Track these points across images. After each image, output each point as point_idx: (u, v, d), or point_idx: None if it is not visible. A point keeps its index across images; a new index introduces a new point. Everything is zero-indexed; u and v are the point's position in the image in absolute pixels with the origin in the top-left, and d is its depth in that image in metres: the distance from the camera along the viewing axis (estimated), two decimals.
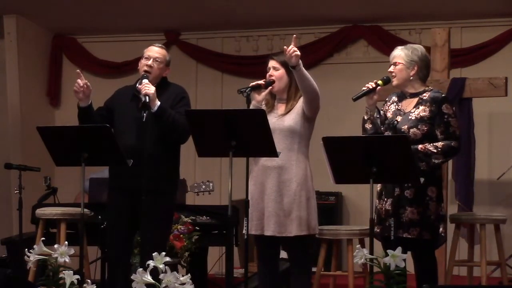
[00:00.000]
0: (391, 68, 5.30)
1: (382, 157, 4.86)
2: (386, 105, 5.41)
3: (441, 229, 5.21)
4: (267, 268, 5.44)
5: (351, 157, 4.94)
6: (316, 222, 5.40)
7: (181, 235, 6.87)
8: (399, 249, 4.50)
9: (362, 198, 8.03)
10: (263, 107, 5.39)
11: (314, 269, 5.90)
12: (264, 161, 5.35)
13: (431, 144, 5.13)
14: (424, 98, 5.23)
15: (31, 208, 7.13)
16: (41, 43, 9.68)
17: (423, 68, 5.29)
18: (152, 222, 5.43)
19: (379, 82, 5.28)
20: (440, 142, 5.14)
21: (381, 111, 5.38)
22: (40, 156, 6.83)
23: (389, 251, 4.50)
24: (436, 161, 5.13)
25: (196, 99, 9.18)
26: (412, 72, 5.27)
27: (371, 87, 5.26)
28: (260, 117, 5.03)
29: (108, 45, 9.76)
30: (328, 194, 8.48)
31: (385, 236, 5.17)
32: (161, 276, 4.25)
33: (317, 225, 5.43)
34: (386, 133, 5.27)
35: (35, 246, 4.70)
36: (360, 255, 4.59)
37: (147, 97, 5.37)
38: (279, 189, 5.32)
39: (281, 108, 5.44)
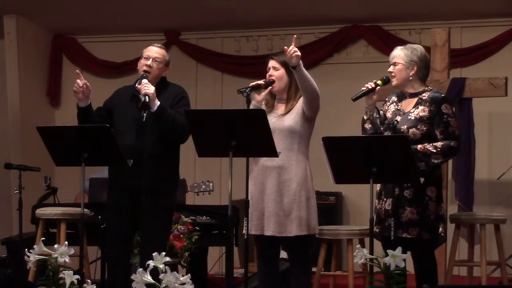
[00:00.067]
0: (391, 68, 5.30)
1: (382, 157, 4.86)
2: (386, 105, 5.41)
3: (440, 229, 5.21)
4: (267, 268, 5.44)
5: (351, 157, 4.94)
6: (316, 222, 5.40)
7: (181, 235, 6.87)
8: (399, 249, 4.50)
9: (362, 198, 8.03)
10: (263, 107, 5.39)
11: (314, 269, 5.90)
12: (264, 161, 5.35)
13: (431, 144, 5.13)
14: (424, 98, 5.23)
15: (31, 208, 7.13)
16: (41, 43, 9.68)
17: (422, 68, 5.29)
18: (152, 222, 5.42)
19: (379, 82, 5.28)
20: (440, 142, 5.14)
21: (381, 111, 5.38)
22: (40, 156, 6.83)
23: (389, 251, 4.50)
24: (436, 161, 5.13)
25: (196, 99, 9.18)
26: (412, 72, 5.27)
27: (370, 87, 5.26)
28: (260, 117, 5.03)
29: (108, 45, 9.76)
30: (328, 194, 8.48)
31: (385, 236, 5.17)
32: (161, 276, 4.25)
33: (317, 225, 5.44)
34: (386, 133, 5.27)
35: (35, 246, 4.70)
36: (360, 255, 4.59)
37: (146, 97, 5.37)
38: (279, 189, 5.32)
39: (281, 108, 5.44)
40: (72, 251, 4.69)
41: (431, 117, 5.17)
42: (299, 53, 5.13)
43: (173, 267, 5.67)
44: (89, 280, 4.83)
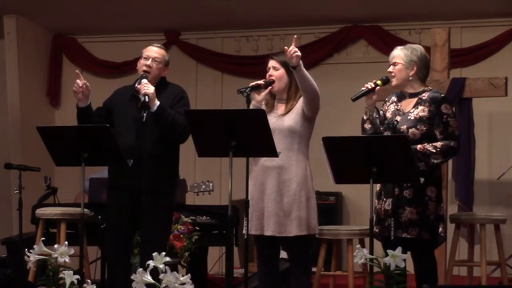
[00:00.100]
0: (390, 68, 5.30)
1: (382, 157, 4.86)
2: (386, 105, 5.41)
3: (440, 229, 5.21)
4: (267, 268, 5.44)
5: (351, 157, 4.94)
6: (316, 222, 5.40)
7: (181, 235, 6.87)
8: (399, 249, 4.50)
9: (362, 198, 8.04)
10: (263, 107, 5.39)
11: (314, 269, 5.90)
12: (264, 161, 5.35)
13: (430, 144, 5.13)
14: (423, 98, 5.23)
15: (31, 208, 7.13)
16: (41, 43, 9.68)
17: (422, 68, 5.29)
18: (152, 222, 5.42)
19: (378, 82, 5.28)
20: (439, 142, 5.14)
21: (381, 111, 5.38)
22: (40, 156, 6.83)
23: (389, 251, 4.49)
24: (435, 161, 5.13)
25: (196, 99, 9.18)
26: (411, 72, 5.27)
27: (370, 87, 5.26)
28: (260, 117, 5.03)
29: (108, 45, 9.76)
30: (328, 194, 8.48)
31: (385, 236, 5.17)
32: (161, 276, 4.25)
33: (317, 225, 5.43)
34: (386, 133, 5.27)
35: (35, 246, 4.70)
36: (360, 255, 4.59)
37: (146, 96, 5.37)
38: (279, 189, 5.32)
39: (281, 108, 5.44)
40: (72, 251, 4.69)
41: (431, 117, 5.17)
42: (299, 53, 5.13)
43: (173, 267, 5.67)
44: (89, 280, 4.83)
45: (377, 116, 5.33)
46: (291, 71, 5.29)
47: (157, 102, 5.40)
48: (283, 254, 5.57)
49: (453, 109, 5.36)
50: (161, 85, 5.57)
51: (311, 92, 5.29)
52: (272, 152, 5.07)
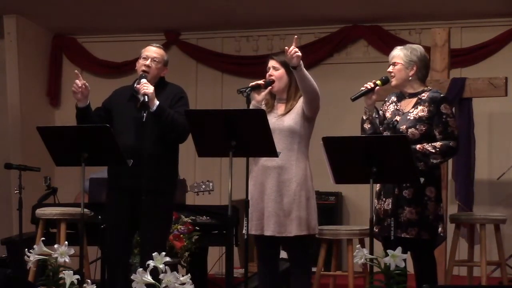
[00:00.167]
0: (390, 68, 5.30)
1: (382, 157, 4.86)
2: (385, 105, 5.41)
3: (440, 229, 5.20)
4: (267, 268, 5.44)
5: (351, 157, 4.94)
6: (316, 222, 5.40)
7: (181, 235, 6.87)
8: (399, 249, 4.50)
9: (362, 198, 8.04)
10: (263, 107, 5.39)
11: (314, 269, 5.90)
12: (264, 161, 5.34)
13: (430, 144, 5.13)
14: (423, 98, 5.23)
15: (31, 208, 7.13)
16: (41, 43, 9.68)
17: (422, 68, 5.29)
18: (152, 222, 5.42)
19: (378, 82, 5.28)
20: (439, 142, 5.14)
21: (380, 111, 5.38)
22: (40, 156, 6.83)
23: (389, 251, 4.49)
24: (435, 161, 5.13)
25: (196, 99, 9.19)
26: (411, 72, 5.27)
27: (369, 87, 5.26)
28: (260, 117, 5.03)
29: (108, 45, 9.76)
30: (328, 194, 8.48)
31: (385, 236, 5.17)
32: (161, 276, 4.25)
33: (317, 225, 5.43)
34: (385, 133, 5.27)
35: (35, 246, 4.70)
36: (360, 255, 4.59)
37: (146, 96, 5.37)
38: (279, 189, 5.32)
39: (281, 108, 5.44)
40: (72, 251, 4.69)
41: (430, 117, 5.17)
42: (299, 53, 5.13)
43: (173, 267, 5.67)
44: (89, 280, 4.83)
45: (376, 116, 5.33)
46: (291, 71, 5.29)
47: (157, 102, 5.40)
48: (283, 254, 5.57)
49: (453, 109, 5.36)
50: (160, 85, 5.57)
51: (311, 92, 5.29)
52: (272, 152, 5.07)
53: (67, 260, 4.66)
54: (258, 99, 5.40)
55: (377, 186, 5.28)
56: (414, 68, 5.26)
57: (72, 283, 4.57)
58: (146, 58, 5.57)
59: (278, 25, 9.10)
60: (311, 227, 5.35)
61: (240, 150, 5.06)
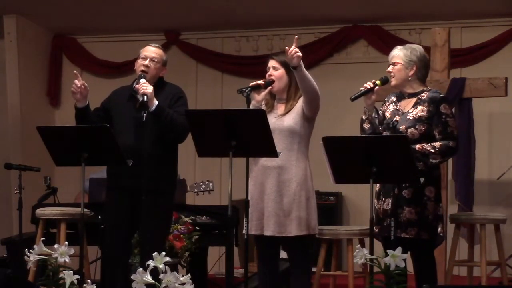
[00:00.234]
0: (390, 68, 5.30)
1: (382, 157, 4.86)
2: (385, 105, 5.41)
3: (439, 229, 5.20)
4: (267, 268, 5.44)
5: (351, 157, 4.94)
6: (316, 222, 5.40)
7: (181, 235, 6.87)
8: (399, 249, 4.50)
9: (362, 198, 8.03)
10: (263, 107, 5.39)
11: (314, 269, 5.90)
12: (264, 161, 5.34)
13: (429, 144, 5.13)
14: (423, 98, 5.23)
15: (31, 208, 7.13)
16: (41, 43, 9.68)
17: (421, 68, 5.29)
18: (152, 222, 5.43)
19: (377, 82, 5.28)
20: (438, 142, 5.14)
21: (380, 111, 5.38)
22: (40, 156, 6.83)
23: (389, 251, 4.49)
24: (434, 161, 5.12)
25: (196, 99, 9.19)
26: (411, 72, 5.27)
27: (369, 87, 5.26)
28: (260, 117, 5.03)
29: (108, 45, 9.76)
30: (328, 194, 8.48)
31: (385, 236, 5.17)
32: (161, 276, 4.25)
33: (317, 225, 5.43)
34: (385, 133, 5.27)
35: (35, 246, 4.70)
36: (360, 255, 4.59)
37: (145, 96, 5.37)
38: (279, 189, 5.32)
39: (280, 108, 5.44)
40: (72, 251, 4.69)
41: (430, 117, 5.17)
42: (300, 53, 5.13)
43: (173, 267, 5.67)
44: (89, 280, 4.83)
45: (376, 116, 5.33)
46: (291, 71, 5.29)
47: (156, 102, 5.40)
48: (283, 254, 5.57)
49: (452, 109, 5.36)
50: (159, 85, 5.57)
51: (311, 92, 5.28)
52: (272, 152, 5.07)
53: (67, 260, 4.66)
54: (258, 99, 5.40)
55: (377, 186, 5.28)
56: (414, 68, 5.26)
57: (72, 283, 4.57)
58: (145, 58, 5.57)
59: (278, 25, 9.10)
60: (311, 227, 5.35)
61: (240, 150, 5.06)
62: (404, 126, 5.18)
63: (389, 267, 4.47)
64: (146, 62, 5.56)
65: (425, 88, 5.29)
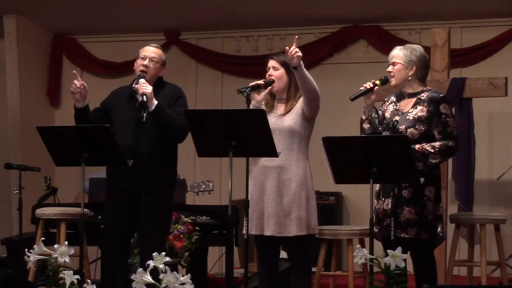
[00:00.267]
0: (390, 68, 5.30)
1: (382, 157, 4.86)
2: (385, 105, 5.41)
3: (439, 229, 5.20)
4: (267, 268, 5.44)
5: (351, 157, 4.94)
6: (316, 222, 5.40)
7: (181, 235, 6.87)
8: (399, 249, 4.50)
9: (362, 198, 8.03)
10: (263, 107, 5.39)
11: (314, 269, 5.90)
12: (264, 161, 5.34)
13: (429, 144, 5.13)
14: (422, 98, 5.23)
15: (31, 208, 7.13)
16: (41, 43, 9.69)
17: (421, 68, 5.29)
18: (152, 222, 5.43)
19: (377, 82, 5.28)
20: (438, 142, 5.14)
21: (380, 111, 5.38)
22: (40, 156, 6.83)
23: (389, 251, 4.49)
24: (434, 161, 5.12)
25: (196, 99, 9.19)
26: (411, 72, 5.27)
27: (368, 87, 5.26)
28: (260, 117, 5.03)
29: (108, 45, 9.76)
30: (328, 194, 8.48)
31: (384, 236, 5.17)
32: (161, 276, 4.25)
33: (317, 225, 5.43)
34: (385, 133, 5.27)
35: (35, 246, 4.70)
36: (360, 255, 4.59)
37: (144, 96, 5.37)
38: (279, 189, 5.31)
39: (280, 108, 5.44)
40: (72, 251, 4.69)
41: (430, 117, 5.17)
42: (300, 53, 5.13)
43: (173, 267, 5.67)
44: (89, 280, 4.83)
45: (376, 116, 5.33)
46: (290, 71, 5.29)
47: (155, 102, 5.40)
48: (283, 254, 5.57)
49: (452, 109, 5.35)
50: (158, 85, 5.57)
51: (311, 92, 5.28)
52: (272, 152, 5.07)
53: (67, 260, 4.66)
54: (258, 99, 5.40)
55: (377, 186, 5.28)
56: (414, 68, 5.26)
57: (72, 283, 4.57)
58: (144, 58, 5.57)
59: (278, 25, 9.10)
60: (311, 227, 5.35)
61: (240, 150, 5.06)
62: (404, 126, 5.18)
63: (389, 267, 4.47)
64: (145, 62, 5.56)
65: (425, 88, 5.29)
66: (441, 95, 5.26)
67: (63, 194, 7.98)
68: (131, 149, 5.37)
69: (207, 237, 7.18)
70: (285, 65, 5.35)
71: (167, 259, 4.31)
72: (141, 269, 4.33)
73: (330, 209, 8.48)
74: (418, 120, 5.17)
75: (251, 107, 5.35)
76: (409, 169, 4.89)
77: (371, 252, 4.75)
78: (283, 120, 5.37)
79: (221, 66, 9.47)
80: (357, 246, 4.88)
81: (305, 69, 5.22)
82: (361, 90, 5.26)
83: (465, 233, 6.80)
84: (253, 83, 5.37)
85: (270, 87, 5.40)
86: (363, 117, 5.33)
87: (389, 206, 5.15)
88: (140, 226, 5.48)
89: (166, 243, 5.74)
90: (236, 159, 5.08)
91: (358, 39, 9.05)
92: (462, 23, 8.62)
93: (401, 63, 5.26)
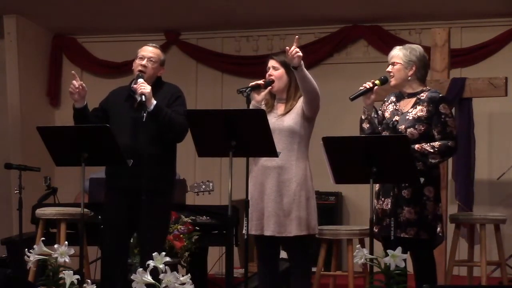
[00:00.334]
0: (389, 68, 5.30)
1: (382, 157, 4.86)
2: (384, 105, 5.41)
3: (438, 229, 5.20)
4: (267, 268, 5.44)
5: (351, 157, 4.94)
6: (316, 222, 5.40)
7: (181, 235, 6.87)
8: (399, 249, 4.50)
9: (362, 198, 8.04)
10: (263, 107, 5.39)
11: (314, 269, 5.90)
12: (264, 161, 5.34)
13: (428, 144, 5.13)
14: (422, 98, 5.23)
15: (31, 208, 7.14)
16: (41, 43, 9.69)
17: (421, 68, 5.29)
18: (152, 222, 5.43)
19: (377, 82, 5.28)
20: (437, 142, 5.14)
21: (379, 111, 5.38)
22: (40, 156, 6.83)
23: (389, 251, 4.49)
24: (433, 161, 5.12)
25: (196, 99, 9.19)
26: (410, 72, 5.27)
27: (368, 86, 5.26)
28: (260, 117, 5.03)
29: (108, 45, 9.76)
30: (328, 194, 8.48)
31: (384, 236, 5.17)
32: (161, 276, 4.25)
33: (317, 225, 5.43)
34: (384, 133, 5.27)
35: (35, 246, 4.70)
36: (360, 255, 4.59)
37: (143, 96, 5.37)
38: (279, 189, 5.31)
39: (280, 108, 5.44)
40: (72, 251, 4.69)
41: (429, 117, 5.17)
42: (300, 53, 5.13)
43: (173, 267, 5.67)
44: (89, 280, 4.83)
45: (375, 115, 5.33)
46: (290, 71, 5.29)
47: (154, 102, 5.40)
48: (283, 254, 5.57)
49: (452, 109, 5.35)
50: (157, 84, 5.57)
51: (311, 92, 5.28)
52: (272, 152, 5.07)
53: (67, 260, 4.66)
54: (258, 99, 5.39)
55: (376, 186, 5.28)
56: (413, 68, 5.26)
57: (72, 283, 4.57)
58: (142, 58, 5.57)
59: (278, 25, 9.10)
60: (311, 227, 5.35)
61: (240, 150, 5.06)
62: (403, 126, 5.18)
63: (389, 267, 4.47)
64: (144, 62, 5.56)
65: (424, 88, 5.29)
66: (440, 95, 5.26)
67: (63, 194, 7.98)
68: (131, 149, 5.37)
69: (207, 237, 7.18)
70: (285, 65, 5.35)
71: (167, 259, 4.31)
72: (141, 269, 4.33)
73: (330, 209, 8.48)
74: (417, 120, 5.17)
75: (251, 107, 5.35)
76: (409, 169, 4.90)
77: (371, 252, 4.75)
78: (283, 120, 5.37)
79: (221, 66, 9.47)
80: (357, 246, 4.88)
81: (305, 69, 5.22)
82: (361, 90, 5.26)
83: (465, 233, 6.80)
84: (253, 83, 5.37)
85: (270, 87, 5.40)
86: (363, 117, 5.33)
87: (389, 206, 5.15)
88: (140, 226, 5.47)
89: (165, 243, 5.73)
90: (236, 159, 5.08)
91: (358, 39, 9.05)
92: (462, 23, 8.62)
93: (400, 63, 5.26)
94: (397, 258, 4.46)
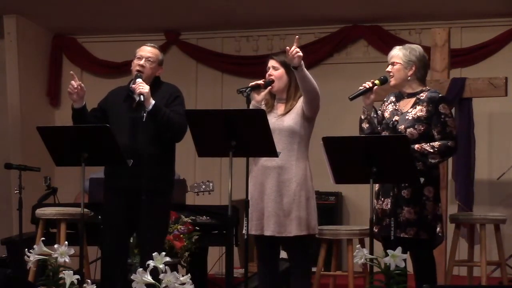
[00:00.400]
0: (389, 68, 5.30)
1: (382, 157, 4.86)
2: (384, 105, 5.41)
3: (438, 229, 5.20)
4: (267, 268, 5.44)
5: (351, 157, 4.94)
6: (316, 222, 5.40)
7: (181, 235, 6.87)
8: (399, 249, 4.50)
9: (362, 198, 8.04)
10: (263, 107, 5.39)
11: (314, 269, 5.90)
12: (264, 161, 5.34)
13: (428, 144, 5.13)
14: (421, 98, 5.23)
15: (31, 208, 7.13)
16: (41, 43, 9.69)
17: (421, 68, 5.29)
18: (152, 222, 5.43)
19: (376, 81, 5.28)
20: (437, 142, 5.14)
21: (379, 111, 5.38)
22: (40, 156, 6.83)
23: (389, 251, 4.49)
24: (433, 161, 5.12)
25: (196, 99, 9.19)
26: (410, 72, 5.27)
27: (367, 86, 5.26)
28: (260, 117, 5.03)
29: (108, 45, 9.76)
30: (328, 194, 8.48)
31: (384, 236, 5.17)
32: (161, 276, 4.25)
33: (317, 225, 5.43)
34: (384, 133, 5.27)
35: (35, 246, 4.70)
36: (360, 255, 4.59)
37: (141, 96, 5.37)
38: (279, 189, 5.31)
39: (280, 108, 5.44)
40: (72, 251, 4.69)
41: (429, 117, 5.17)
42: (301, 53, 5.13)
43: (173, 267, 5.67)
44: (89, 280, 4.83)
45: (375, 115, 5.33)
46: (290, 71, 5.29)
47: (152, 101, 5.41)
48: (283, 254, 5.57)
49: (451, 109, 5.35)
50: (155, 84, 5.57)
51: (312, 92, 5.28)
52: (272, 152, 5.07)
53: (67, 260, 4.66)
54: (258, 99, 5.40)
55: (376, 186, 5.28)
56: (413, 68, 5.26)
57: (72, 283, 4.57)
58: (140, 58, 5.58)
59: (278, 25, 9.10)
60: (311, 227, 5.35)
61: (240, 150, 5.06)
62: (403, 126, 5.18)
63: (389, 267, 4.47)
64: (142, 62, 5.56)
65: (424, 88, 5.29)
66: (440, 95, 5.26)
67: (63, 194, 7.98)
68: (131, 149, 5.37)
69: (207, 237, 7.18)
70: (285, 65, 5.35)
71: (167, 259, 4.31)
72: (141, 269, 4.33)
73: (330, 209, 8.48)
74: (417, 120, 5.17)
75: (251, 107, 5.35)
76: (409, 169, 4.90)
77: (371, 252, 4.75)
78: (283, 120, 5.37)
79: (221, 66, 9.48)
80: (357, 246, 4.88)
81: (305, 69, 5.22)
82: (360, 89, 5.26)
83: (465, 233, 6.80)
84: (253, 83, 5.37)
85: (270, 87, 5.40)
86: (362, 117, 5.33)
87: (389, 206, 5.15)
88: (140, 226, 5.47)
89: (165, 242, 5.73)
90: (236, 159, 5.08)
91: (358, 39, 9.05)
92: (462, 23, 8.62)
93: (400, 63, 5.26)
94: (397, 258, 4.46)
